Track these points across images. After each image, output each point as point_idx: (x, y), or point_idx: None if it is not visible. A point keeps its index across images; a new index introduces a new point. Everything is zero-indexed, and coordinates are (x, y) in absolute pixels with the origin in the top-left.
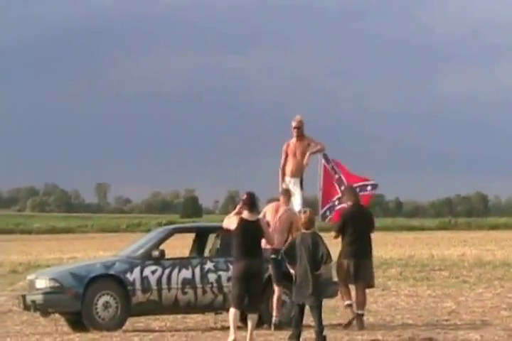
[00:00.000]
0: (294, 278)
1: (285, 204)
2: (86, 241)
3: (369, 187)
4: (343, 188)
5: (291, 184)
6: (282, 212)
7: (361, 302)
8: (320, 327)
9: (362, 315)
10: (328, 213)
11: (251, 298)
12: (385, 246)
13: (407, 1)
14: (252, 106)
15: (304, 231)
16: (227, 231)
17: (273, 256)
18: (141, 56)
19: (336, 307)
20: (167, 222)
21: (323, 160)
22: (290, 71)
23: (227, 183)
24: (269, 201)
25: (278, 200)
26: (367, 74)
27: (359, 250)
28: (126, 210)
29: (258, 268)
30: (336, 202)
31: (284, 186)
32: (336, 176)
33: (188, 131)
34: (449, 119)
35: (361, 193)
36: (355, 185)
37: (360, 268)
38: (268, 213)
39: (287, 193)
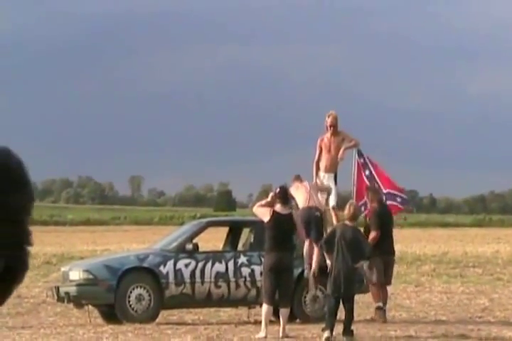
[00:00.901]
0: (329, 269)
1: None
2: (119, 233)
3: (399, 199)
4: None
5: (325, 179)
6: (305, 183)
7: (385, 297)
8: (349, 321)
9: (384, 308)
10: (362, 209)
11: (282, 291)
12: (419, 242)
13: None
14: (282, 100)
15: (346, 222)
16: (261, 223)
17: (317, 213)
18: (173, 50)
19: (370, 303)
20: (201, 216)
21: (356, 156)
22: (309, 67)
23: (261, 177)
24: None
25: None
26: (393, 73)
27: (389, 248)
28: (160, 203)
29: (289, 262)
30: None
31: (318, 181)
32: (367, 172)
33: (222, 125)
34: (483, 117)
35: (389, 202)
36: (387, 190)
37: (388, 265)
38: (295, 190)
39: (299, 178)
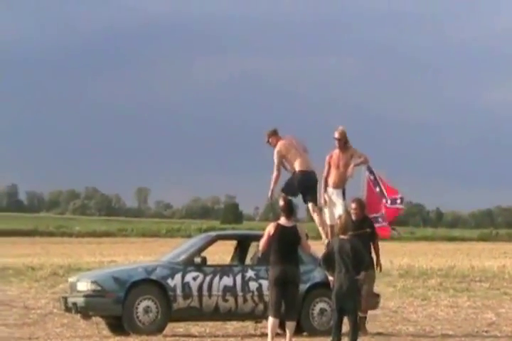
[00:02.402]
0: (332, 285)
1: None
2: (126, 245)
3: (398, 201)
4: (384, 201)
5: (334, 195)
6: (294, 141)
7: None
8: (354, 335)
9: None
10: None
11: (288, 304)
12: (425, 256)
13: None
14: (288, 113)
15: (341, 236)
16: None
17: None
18: (185, 63)
19: (375, 316)
20: (208, 228)
21: (366, 172)
22: (314, 80)
23: (268, 190)
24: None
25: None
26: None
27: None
28: (167, 215)
29: (294, 275)
30: (380, 219)
31: (325, 197)
32: (377, 189)
33: (229, 136)
34: (490, 131)
35: (392, 206)
36: (390, 197)
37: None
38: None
39: (276, 133)
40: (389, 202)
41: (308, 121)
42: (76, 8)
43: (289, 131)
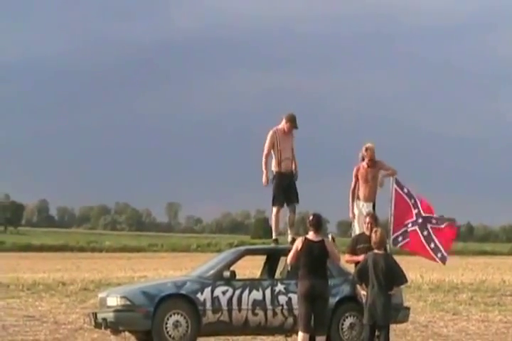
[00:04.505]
0: (365, 300)
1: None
2: (156, 260)
3: (434, 221)
4: (416, 212)
5: (364, 208)
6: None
7: None
8: None
9: None
10: (400, 239)
11: (317, 319)
12: (456, 270)
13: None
14: (320, 127)
15: (376, 251)
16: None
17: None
18: (213, 78)
19: (406, 331)
20: (239, 243)
21: (395, 185)
22: (352, 94)
23: (298, 204)
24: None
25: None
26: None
27: None
28: (197, 230)
29: (323, 289)
30: (409, 225)
31: (355, 212)
32: (412, 201)
33: (259, 152)
34: None
35: (439, 226)
36: (433, 216)
37: None
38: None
39: (294, 120)
40: (435, 221)
41: (347, 136)
42: (120, 25)
43: (332, 146)
